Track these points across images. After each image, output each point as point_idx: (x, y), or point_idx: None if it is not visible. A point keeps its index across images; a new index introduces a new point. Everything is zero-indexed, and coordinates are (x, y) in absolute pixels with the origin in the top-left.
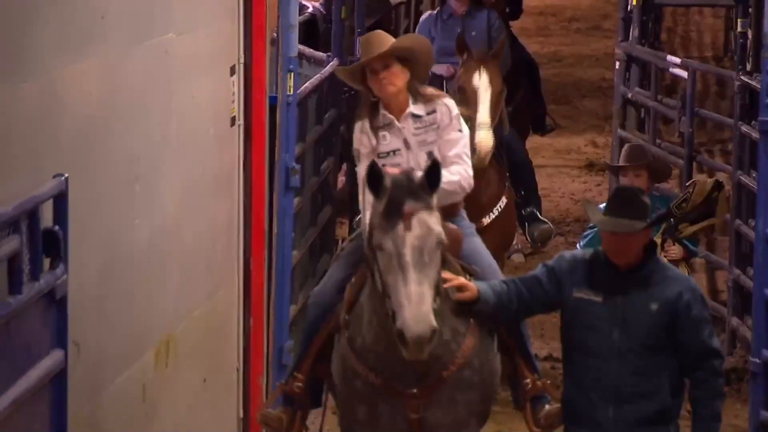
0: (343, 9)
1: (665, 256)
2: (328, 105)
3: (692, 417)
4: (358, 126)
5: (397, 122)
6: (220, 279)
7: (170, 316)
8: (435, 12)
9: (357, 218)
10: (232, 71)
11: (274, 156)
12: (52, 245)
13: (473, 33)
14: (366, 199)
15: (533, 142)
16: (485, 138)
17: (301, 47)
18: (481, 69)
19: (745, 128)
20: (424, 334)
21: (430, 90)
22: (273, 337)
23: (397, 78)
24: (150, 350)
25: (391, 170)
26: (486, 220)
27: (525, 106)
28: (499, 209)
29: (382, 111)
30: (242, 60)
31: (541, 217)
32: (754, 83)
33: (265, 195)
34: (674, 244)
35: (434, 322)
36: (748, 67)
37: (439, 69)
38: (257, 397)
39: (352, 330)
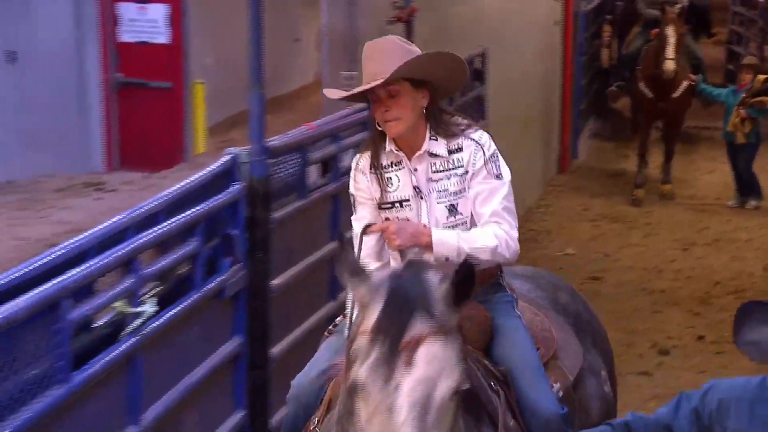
0: None
1: (738, 116)
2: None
3: None
4: (356, 164)
5: (408, 162)
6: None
7: None
8: None
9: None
10: (555, 23)
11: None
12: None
13: None
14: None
15: None
16: (669, 65)
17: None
18: (670, 22)
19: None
20: None
21: (457, 119)
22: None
23: (406, 111)
24: None
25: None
26: (675, 94)
27: None
28: (683, 89)
29: (390, 146)
30: (560, 18)
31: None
32: None
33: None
34: (743, 109)
35: None
36: None
37: None
38: None
39: None
